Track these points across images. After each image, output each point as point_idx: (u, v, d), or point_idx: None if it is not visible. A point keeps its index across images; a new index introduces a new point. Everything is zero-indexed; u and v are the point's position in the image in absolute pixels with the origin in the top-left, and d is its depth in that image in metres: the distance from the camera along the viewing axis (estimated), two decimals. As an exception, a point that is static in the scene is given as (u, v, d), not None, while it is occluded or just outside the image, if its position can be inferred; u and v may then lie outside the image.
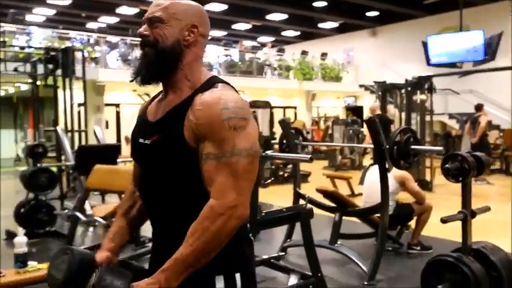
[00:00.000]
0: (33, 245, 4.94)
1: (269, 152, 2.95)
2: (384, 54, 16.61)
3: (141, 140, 1.31)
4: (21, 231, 2.81)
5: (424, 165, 8.51)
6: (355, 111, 18.58)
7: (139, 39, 1.29)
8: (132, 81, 1.31)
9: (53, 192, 5.75)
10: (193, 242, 1.15)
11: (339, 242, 4.33)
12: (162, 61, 1.26)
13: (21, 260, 2.76)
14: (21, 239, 2.81)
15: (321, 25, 17.63)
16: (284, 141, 4.63)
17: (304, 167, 11.17)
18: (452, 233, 3.65)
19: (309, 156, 2.87)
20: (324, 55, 17.26)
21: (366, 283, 3.75)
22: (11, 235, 5.22)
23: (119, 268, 1.25)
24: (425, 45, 10.38)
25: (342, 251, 4.18)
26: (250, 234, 1.35)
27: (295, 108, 18.03)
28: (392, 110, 9.42)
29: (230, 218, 1.16)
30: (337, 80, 17.59)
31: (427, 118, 8.77)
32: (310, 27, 17.87)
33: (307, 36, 19.15)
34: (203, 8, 1.34)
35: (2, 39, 10.30)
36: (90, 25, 16.94)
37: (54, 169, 6.52)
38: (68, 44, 11.96)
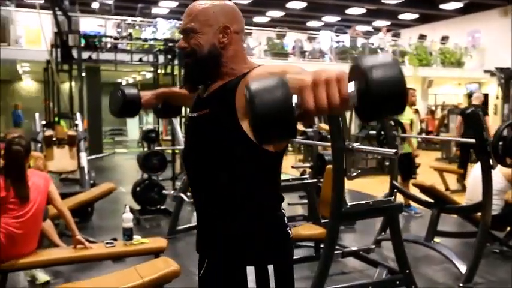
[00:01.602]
0: (146, 220, 5.52)
1: (355, 145, 2.92)
2: (515, 35, 14.97)
3: (192, 114, 1.39)
4: (127, 208, 3.17)
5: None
6: (478, 99, 17.13)
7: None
8: (181, 88, 1.43)
9: (166, 173, 6.30)
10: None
11: (438, 240, 4.16)
12: (203, 67, 1.34)
13: (128, 234, 3.13)
14: (128, 215, 3.17)
15: (442, 6, 16.43)
16: (382, 133, 4.52)
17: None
18: None
19: (394, 151, 2.79)
20: (444, 39, 16.10)
21: (461, 285, 3.56)
22: (130, 210, 5.86)
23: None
24: None
25: (437, 248, 4.00)
26: (289, 228, 1.38)
27: (410, 95, 17.16)
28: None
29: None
30: (458, 65, 16.31)
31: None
32: (430, 8, 16.71)
33: (426, 18, 17.96)
34: (233, 4, 1.38)
35: (130, 32, 11.38)
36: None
37: (169, 152, 7.11)
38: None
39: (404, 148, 5.44)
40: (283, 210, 1.37)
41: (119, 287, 2.20)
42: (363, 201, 3.13)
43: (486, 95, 16.99)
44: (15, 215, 2.82)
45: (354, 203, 3.11)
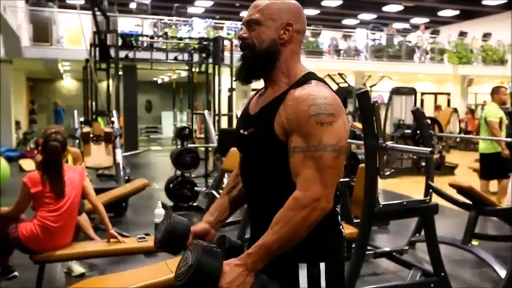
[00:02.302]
0: (178, 217, 5.58)
1: (389, 143, 2.85)
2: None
3: (241, 131, 1.43)
4: (159, 203, 3.21)
5: None
6: (522, 98, 16.49)
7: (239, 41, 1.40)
8: (235, 80, 1.43)
9: (199, 170, 6.36)
10: (277, 231, 1.22)
11: (476, 243, 4.03)
12: (260, 62, 1.35)
13: (159, 229, 3.15)
14: (159, 211, 3.22)
15: (485, 2, 15.88)
16: (418, 132, 4.40)
17: (450, 158, 10.41)
18: None
19: (429, 149, 2.69)
20: (486, 36, 15.58)
21: (500, 290, 3.43)
22: (164, 206, 5.95)
23: (212, 247, 1.32)
24: None
25: (475, 251, 3.86)
26: (341, 227, 1.39)
27: (448, 94, 16.69)
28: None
29: (313, 210, 1.21)
30: (501, 63, 15.74)
31: None
32: (472, 4, 16.20)
33: (467, 15, 17.41)
34: (298, 4, 1.39)
35: (165, 31, 11.57)
36: (243, 14, 17.88)
37: (202, 149, 7.18)
38: (220, 32, 12.88)
39: (492, 147, 5.30)
40: (337, 209, 1.38)
41: (149, 280, 2.22)
42: (397, 201, 3.05)
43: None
44: (51, 208, 2.90)
45: (387, 202, 3.03)
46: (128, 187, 4.56)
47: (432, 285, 3.24)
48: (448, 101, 16.54)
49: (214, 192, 4.80)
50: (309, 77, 1.33)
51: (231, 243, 1.44)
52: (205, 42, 8.60)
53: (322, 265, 1.31)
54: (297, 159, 1.24)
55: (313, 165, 1.21)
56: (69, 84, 19.29)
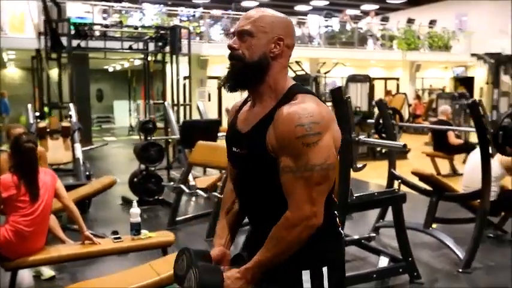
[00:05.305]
0: (144, 211, 5.50)
1: (362, 138, 2.96)
2: (503, 20, 15.07)
3: (234, 149, 1.44)
4: (134, 203, 3.17)
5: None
6: (464, 82, 17.31)
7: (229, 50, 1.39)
8: (220, 88, 1.43)
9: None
10: (271, 248, 1.33)
11: (434, 226, 4.25)
12: (249, 74, 1.36)
13: (136, 229, 3.14)
14: (136, 210, 3.17)
15: (430, -11, 16.48)
16: (380, 122, 4.56)
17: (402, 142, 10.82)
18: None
19: (403, 143, 2.83)
20: (432, 22, 16.18)
21: (460, 270, 3.66)
22: (126, 201, 5.86)
23: (210, 265, 1.43)
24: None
25: (436, 235, 4.09)
26: (340, 228, 1.44)
27: (397, 79, 17.27)
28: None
29: (304, 228, 1.28)
30: (446, 49, 16.44)
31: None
32: (418, -8, 16.79)
33: (414, 2, 18.00)
34: (290, 19, 1.41)
35: (119, 20, 11.20)
36: (196, 0, 17.58)
37: (162, 141, 7.09)
38: (175, 20, 12.64)
39: None
40: (335, 212, 1.44)
41: (137, 283, 2.21)
42: (369, 192, 3.18)
43: (472, 78, 17.24)
44: (25, 213, 2.80)
45: (360, 194, 3.16)
46: (94, 185, 4.45)
47: (401, 269, 3.43)
48: (397, 85, 17.12)
49: (183, 187, 4.78)
50: (295, 90, 1.35)
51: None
52: (162, 31, 8.42)
53: (325, 269, 1.35)
54: (287, 179, 1.29)
55: (302, 184, 1.27)
56: (12, 72, 18.31)
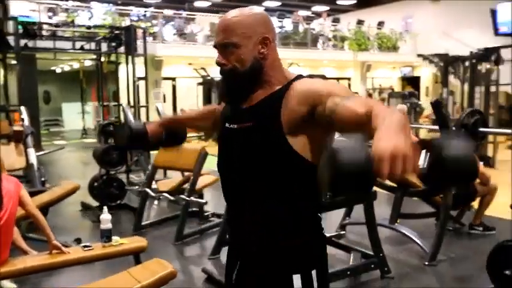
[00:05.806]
0: (107, 216, 5.33)
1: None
2: (446, 21, 15.82)
3: (229, 125, 1.37)
4: (105, 209, 3.05)
5: (487, 141, 8.20)
6: (411, 81, 18.03)
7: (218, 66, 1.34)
8: (219, 103, 1.41)
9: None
10: (385, 118, 1.00)
11: (398, 222, 4.38)
12: (246, 83, 1.33)
13: (107, 235, 3.00)
14: (107, 216, 3.04)
15: (378, -9, 17.00)
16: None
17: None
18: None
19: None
20: (380, 24, 16.71)
21: (427, 263, 3.79)
22: (86, 207, 5.64)
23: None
24: (493, 13, 9.82)
25: (402, 230, 4.21)
26: (323, 230, 1.42)
27: (349, 79, 17.72)
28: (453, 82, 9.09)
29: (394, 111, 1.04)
30: (394, 49, 17.04)
31: (492, 89, 8.36)
32: (367, -6, 17.28)
33: (363, 4, 18.52)
34: (263, 11, 1.37)
35: (66, 19, 10.78)
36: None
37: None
38: (127, 19, 12.33)
39: None
40: (320, 215, 1.41)
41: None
42: (341, 191, 3.21)
43: (418, 78, 17.97)
44: (-12, 224, 2.62)
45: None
46: (57, 191, 4.25)
47: (373, 265, 3.50)
48: (349, 85, 17.54)
49: (148, 191, 4.66)
50: (301, 75, 1.34)
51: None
52: (117, 32, 8.18)
53: (313, 272, 1.33)
54: (343, 104, 1.16)
55: (357, 98, 1.18)
56: None
